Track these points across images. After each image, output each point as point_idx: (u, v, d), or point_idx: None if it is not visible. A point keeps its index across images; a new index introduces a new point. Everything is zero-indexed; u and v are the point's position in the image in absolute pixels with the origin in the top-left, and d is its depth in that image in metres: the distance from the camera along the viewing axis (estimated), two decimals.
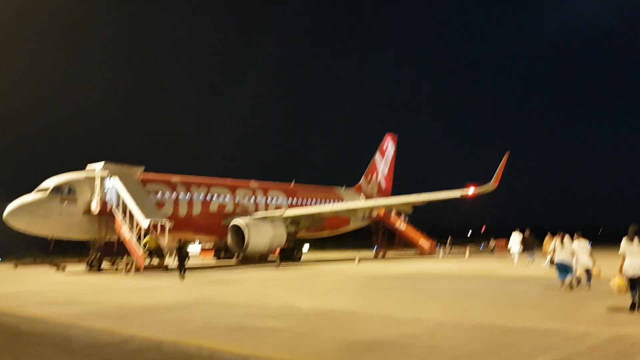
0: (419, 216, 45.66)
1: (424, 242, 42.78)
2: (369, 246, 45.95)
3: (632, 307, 11.09)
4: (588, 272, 15.89)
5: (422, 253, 42.37)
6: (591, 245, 16.46)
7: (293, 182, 41.30)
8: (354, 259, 32.86)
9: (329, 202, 40.62)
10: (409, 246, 44.35)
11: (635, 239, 11.19)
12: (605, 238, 44.73)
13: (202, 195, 32.54)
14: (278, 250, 33.46)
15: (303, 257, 37.80)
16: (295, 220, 34.44)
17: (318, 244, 53.16)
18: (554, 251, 16.26)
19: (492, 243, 43.60)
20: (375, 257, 40.87)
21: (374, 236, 44.38)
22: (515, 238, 30.28)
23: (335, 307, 12.81)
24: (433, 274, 22.95)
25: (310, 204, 38.91)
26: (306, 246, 53.13)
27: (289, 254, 34.24)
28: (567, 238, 16.35)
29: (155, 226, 26.58)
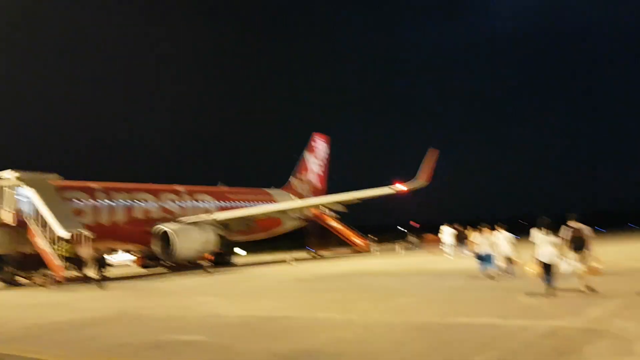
0: (353, 214, 45.52)
1: (359, 240, 42.65)
2: (303, 247, 45.41)
3: (549, 292, 11.76)
4: (509, 261, 16.61)
5: (357, 251, 42.22)
6: (515, 236, 16.86)
7: (220, 185, 40.19)
8: (287, 261, 32.16)
9: (260, 203, 39.68)
10: (344, 245, 44.15)
11: (546, 230, 12.05)
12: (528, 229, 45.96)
13: (124, 201, 30.89)
14: (209, 255, 32.31)
15: (237, 261, 36.82)
16: (225, 224, 33.32)
17: (254, 247, 52.19)
18: (475, 243, 17.28)
19: (411, 239, 43.91)
20: (311, 257, 40.39)
21: (309, 236, 43.91)
22: (447, 231, 30.51)
23: (264, 313, 12.07)
24: (367, 272, 22.58)
25: (241, 207, 37.85)
26: (240, 250, 52.14)
27: (221, 258, 33.14)
28: (487, 230, 17.23)
29: (74, 236, 24.94)
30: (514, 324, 8.95)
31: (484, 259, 16.76)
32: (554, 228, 12.23)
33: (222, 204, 36.97)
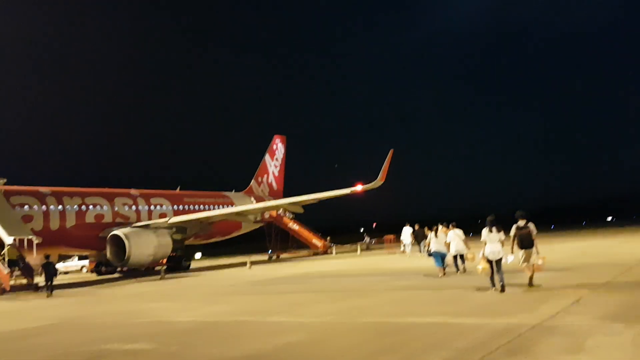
0: (311, 215, 45.36)
1: (317, 242, 42.51)
2: (263, 249, 44.98)
3: (497, 287, 12.08)
4: (462, 257, 17.13)
5: (316, 252, 42.09)
6: (470, 234, 17.03)
7: (178, 189, 39.45)
8: (246, 263, 31.73)
9: (219, 207, 39.08)
10: (303, 246, 43.95)
11: (494, 228, 12.40)
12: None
13: (76, 206, 29.90)
14: (164, 260, 31.62)
15: (194, 265, 36.19)
16: (181, 228, 32.69)
17: (211, 250, 51.47)
18: (430, 242, 17.57)
19: (366, 239, 44.08)
20: (269, 259, 40.04)
21: (267, 238, 43.55)
22: (407, 231, 30.64)
23: (216, 318, 11.69)
24: (324, 274, 22.39)
25: (198, 210, 37.19)
26: (198, 254, 51.34)
27: (177, 263, 32.54)
28: (441, 228, 17.74)
29: (22, 242, 24.02)
30: (466, 322, 8.86)
31: (438, 257, 17.11)
32: (502, 226, 12.56)
33: (179, 207, 36.27)
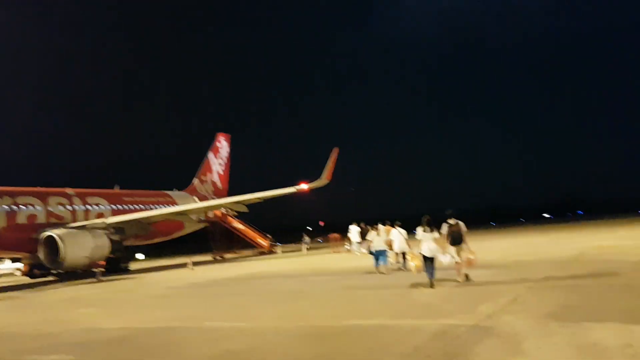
0: (257, 215, 44.84)
1: (263, 241, 42.02)
2: (207, 249, 44.13)
3: (429, 284, 12.63)
4: (404, 255, 17.34)
5: (261, 252, 41.60)
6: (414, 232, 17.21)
7: (117, 188, 38.15)
8: (188, 265, 30.91)
9: (160, 206, 38.00)
10: (249, 246, 43.36)
11: (427, 227, 12.95)
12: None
13: (6, 206, 28.35)
14: (102, 262, 30.42)
15: (135, 266, 35.09)
16: (120, 228, 31.55)
17: (154, 251, 50.14)
18: (371, 241, 18.01)
19: (305, 238, 44.12)
20: (213, 260, 39.26)
21: (212, 238, 42.72)
22: (354, 230, 30.61)
23: (149, 324, 11.12)
24: (267, 275, 21.99)
25: (138, 210, 36.02)
26: (140, 255, 49.93)
27: (116, 265, 31.36)
28: (382, 227, 18.19)
29: None
30: (405, 324, 8.69)
31: (379, 255, 17.37)
32: (435, 224, 13.14)
33: (118, 207, 35.03)
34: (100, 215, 32.76)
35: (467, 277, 12.94)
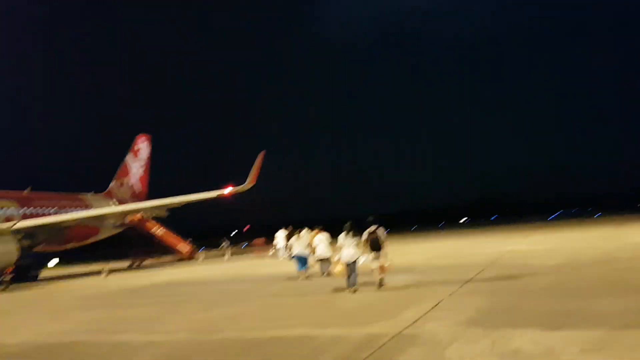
0: (179, 219, 43.62)
1: (183, 247, 40.83)
2: (125, 255, 42.35)
3: (352, 289, 12.88)
4: (328, 261, 17.19)
5: (182, 258, 40.38)
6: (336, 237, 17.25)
7: (29, 190, 35.87)
8: (103, 272, 29.42)
9: (74, 210, 36.08)
10: (169, 252, 42.01)
11: (349, 233, 13.29)
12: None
13: None
14: (9, 269, 28.39)
15: (46, 274, 33.10)
16: (29, 233, 29.66)
17: (70, 257, 47.58)
18: (294, 246, 17.92)
19: (224, 243, 43.49)
20: (131, 266, 37.69)
21: (130, 244, 41.07)
22: (280, 235, 30.20)
23: (54, 338, 10.25)
24: (187, 282, 21.20)
25: (51, 214, 33.99)
26: (53, 261, 47.18)
27: (25, 272, 29.41)
28: (304, 232, 18.32)
29: None
30: (328, 334, 8.41)
31: (301, 260, 17.33)
32: (356, 231, 13.46)
33: (27, 210, 32.92)
34: (8, 219, 30.61)
35: (381, 282, 13.20)
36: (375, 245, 13.16)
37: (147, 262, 39.79)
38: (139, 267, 36.60)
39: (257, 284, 17.65)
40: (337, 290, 13.34)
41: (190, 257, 40.33)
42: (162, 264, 36.95)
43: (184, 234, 42.27)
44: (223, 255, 39.93)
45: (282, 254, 29.68)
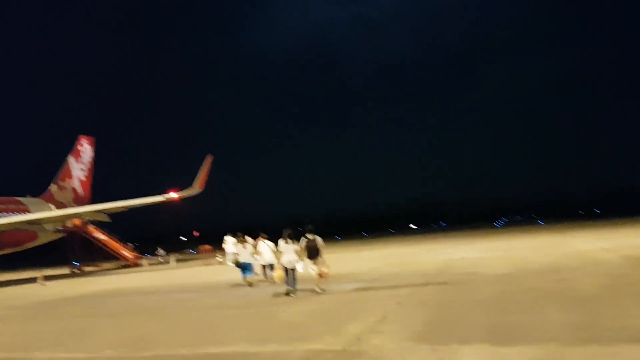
0: (124, 224, 42.13)
1: (127, 253, 39.39)
2: (64, 262, 40.50)
3: (287, 293, 13.44)
4: (272, 267, 17.18)
5: (125, 265, 38.95)
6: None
7: None
8: (38, 280, 27.86)
9: (10, 214, 34.18)
10: (112, 258, 40.46)
11: (289, 240, 13.72)
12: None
13: None
14: None
15: None
16: None
17: (4, 264, 45.21)
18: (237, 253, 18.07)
19: (160, 251, 42.22)
20: (70, 274, 36.03)
21: (69, 250, 39.33)
22: (229, 241, 29.35)
23: None
24: (125, 291, 20.16)
25: None
26: None
27: None
28: (248, 240, 18.58)
29: None
30: (268, 350, 7.82)
31: (244, 267, 17.32)
32: (295, 237, 13.84)
33: None
34: None
35: (320, 288, 13.50)
36: (312, 253, 13.43)
37: (88, 269, 38.18)
38: (79, 274, 35.02)
39: (201, 293, 16.88)
40: (279, 296, 13.54)
41: (135, 264, 38.95)
42: (104, 271, 35.47)
43: (129, 240, 40.89)
44: (167, 262, 38.72)
45: (230, 260, 28.88)
